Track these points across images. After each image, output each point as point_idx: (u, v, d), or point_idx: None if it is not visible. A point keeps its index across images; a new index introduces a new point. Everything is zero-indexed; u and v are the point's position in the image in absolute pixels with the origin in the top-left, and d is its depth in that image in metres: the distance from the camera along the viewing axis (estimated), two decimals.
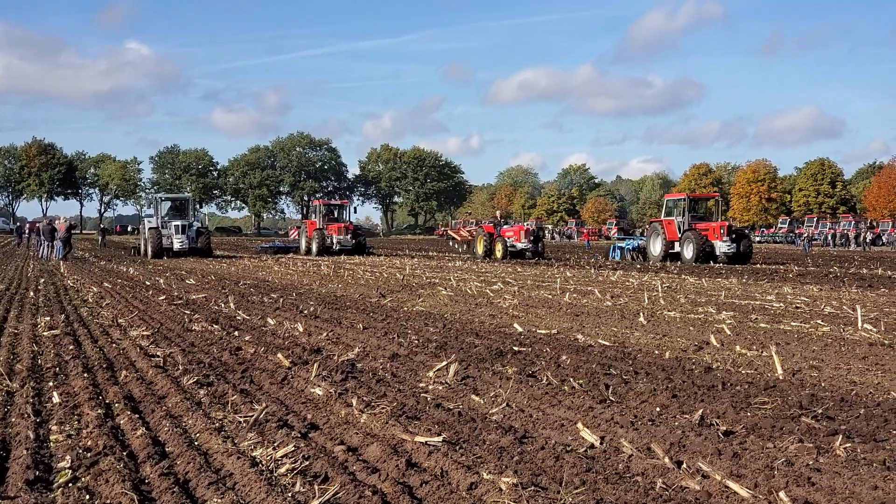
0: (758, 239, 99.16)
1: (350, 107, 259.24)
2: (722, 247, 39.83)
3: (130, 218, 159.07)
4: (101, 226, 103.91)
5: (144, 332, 13.90)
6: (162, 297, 20.45)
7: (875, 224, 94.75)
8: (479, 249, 47.39)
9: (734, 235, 40.76)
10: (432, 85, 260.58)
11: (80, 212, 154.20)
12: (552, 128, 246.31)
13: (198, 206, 58.74)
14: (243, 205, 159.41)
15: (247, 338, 13.28)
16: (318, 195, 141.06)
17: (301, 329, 14.16)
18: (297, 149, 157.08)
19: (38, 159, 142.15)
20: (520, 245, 45.72)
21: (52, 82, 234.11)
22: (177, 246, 45.30)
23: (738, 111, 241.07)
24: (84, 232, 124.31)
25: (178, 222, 46.30)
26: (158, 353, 11.72)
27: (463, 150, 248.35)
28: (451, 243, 69.22)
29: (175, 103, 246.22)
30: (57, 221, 49.79)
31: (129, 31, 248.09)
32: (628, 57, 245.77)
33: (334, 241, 50.27)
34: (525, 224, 61.31)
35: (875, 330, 13.84)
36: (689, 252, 40.32)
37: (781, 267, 37.95)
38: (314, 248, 50.34)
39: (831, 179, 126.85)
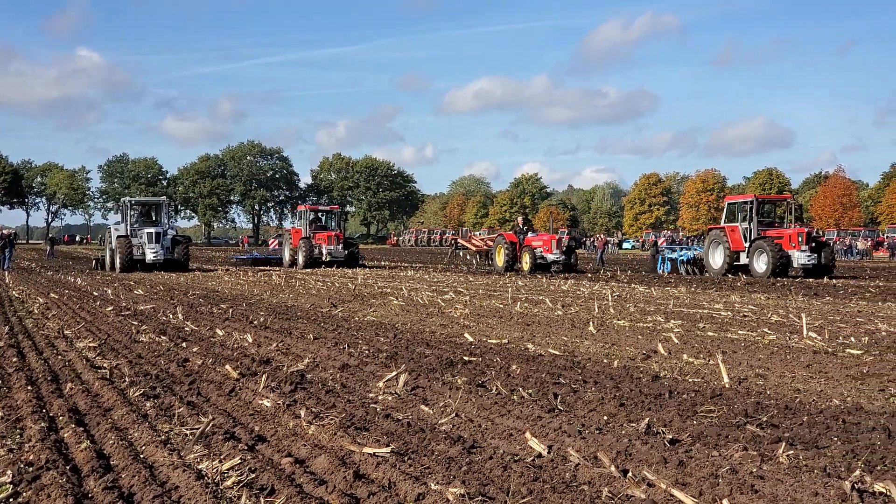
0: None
1: (304, 115, 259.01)
2: (801, 257, 34.83)
3: (79, 228, 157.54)
4: (49, 235, 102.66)
5: (91, 344, 13.74)
6: (109, 308, 20.24)
7: (821, 233, 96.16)
8: (500, 261, 41.78)
9: (814, 244, 35.48)
10: (387, 94, 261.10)
11: (27, 221, 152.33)
12: (506, 137, 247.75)
13: (173, 211, 51.90)
14: (193, 214, 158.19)
15: (195, 349, 13.17)
16: (304, 201, 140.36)
17: (250, 340, 14.07)
18: (248, 157, 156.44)
19: None
20: (550, 256, 40.14)
21: (1, 91, 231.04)
22: (150, 257, 39.70)
23: (691, 122, 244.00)
24: (31, 242, 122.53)
25: (151, 230, 40.29)
26: (105, 365, 11.59)
27: (418, 159, 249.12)
28: (461, 254, 61.66)
29: (126, 111, 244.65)
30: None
31: (80, 38, 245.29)
32: (583, 67, 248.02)
33: (324, 251, 44.92)
34: (556, 233, 53.04)
35: (819, 338, 14.01)
36: (761, 264, 35.04)
37: (866, 282, 32.94)
38: (300, 259, 45.48)
39: (779, 189, 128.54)
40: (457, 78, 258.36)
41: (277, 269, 44.57)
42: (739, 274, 36.43)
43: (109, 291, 26.08)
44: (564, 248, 40.88)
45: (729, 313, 18.60)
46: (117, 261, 39.92)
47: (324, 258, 44.77)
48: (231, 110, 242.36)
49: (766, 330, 15.31)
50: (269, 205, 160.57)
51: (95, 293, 25.69)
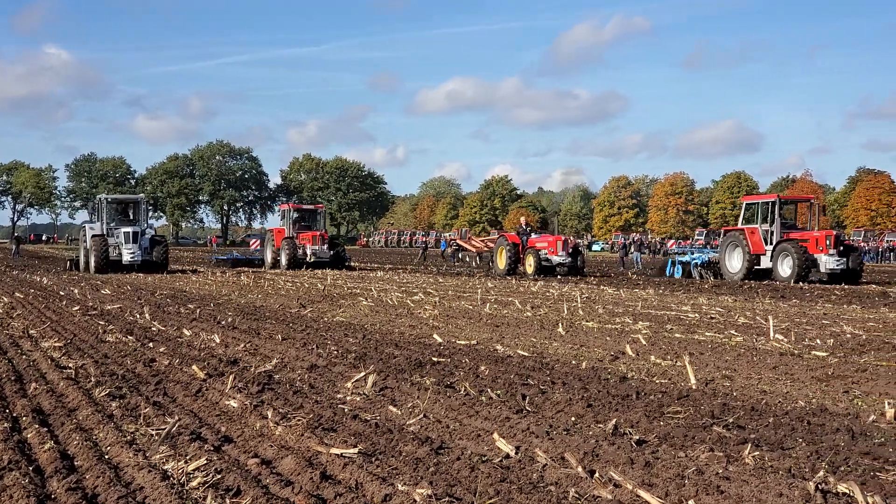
0: (674, 250, 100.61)
1: (275, 114, 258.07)
2: (828, 262, 32.34)
3: (45, 227, 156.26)
4: (15, 235, 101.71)
5: (56, 344, 13.61)
6: (76, 308, 20.07)
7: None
8: (501, 264, 39.13)
9: (842, 248, 33.32)
10: (358, 94, 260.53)
11: None
12: (478, 138, 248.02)
13: (151, 209, 49.95)
14: (161, 214, 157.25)
15: (161, 349, 13.08)
16: (286, 199, 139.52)
17: (218, 340, 13.99)
18: (217, 157, 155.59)
19: None
20: (556, 259, 37.58)
21: None
22: (127, 258, 37.45)
23: (661, 124, 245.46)
24: None
25: (128, 229, 38.04)
26: (70, 365, 11.48)
27: (388, 159, 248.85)
28: (459, 255, 59.29)
29: (95, 109, 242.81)
30: None
31: (49, 35, 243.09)
32: (555, 69, 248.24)
33: (308, 252, 42.77)
34: (561, 234, 51.28)
35: (786, 340, 14.11)
36: (786, 268, 32.67)
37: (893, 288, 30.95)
38: (283, 260, 43.11)
39: (747, 192, 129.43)
40: (428, 78, 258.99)
41: (259, 270, 43.58)
42: (758, 279, 33.92)
43: (76, 291, 25.85)
44: (571, 250, 38.52)
45: (696, 315, 18.70)
46: (92, 261, 37.63)
47: (308, 259, 42.70)
48: (201, 109, 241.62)
49: (733, 332, 15.41)
50: (237, 205, 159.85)
51: (62, 293, 25.46)
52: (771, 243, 34.11)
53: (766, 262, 34.05)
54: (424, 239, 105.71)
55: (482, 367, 11.31)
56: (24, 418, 8.30)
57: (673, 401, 9.16)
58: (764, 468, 6.57)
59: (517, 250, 38.73)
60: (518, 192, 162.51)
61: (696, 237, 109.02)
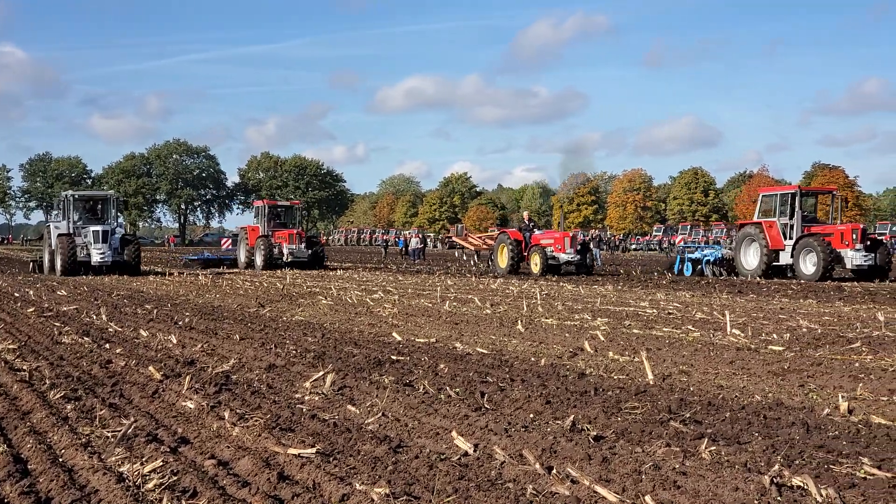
0: (633, 246, 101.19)
1: (233, 113, 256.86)
2: (855, 257, 30.34)
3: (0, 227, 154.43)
4: None
5: (10, 346, 13.45)
6: (31, 309, 19.84)
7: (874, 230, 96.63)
8: (503, 262, 36.54)
9: (869, 242, 31.17)
10: (318, 92, 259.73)
11: None
12: (438, 136, 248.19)
13: (122, 206, 45.75)
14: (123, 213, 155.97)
15: (118, 350, 12.96)
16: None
17: (175, 341, 13.89)
18: (175, 156, 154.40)
19: None
20: (563, 256, 34.73)
21: None
22: (96, 258, 35.46)
23: (620, 121, 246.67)
24: None
25: (98, 228, 35.94)
26: (24, 367, 11.35)
27: (348, 157, 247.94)
28: (456, 254, 55.11)
29: (51, 109, 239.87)
30: None
31: (2, 33, 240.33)
32: (514, 67, 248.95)
33: (285, 251, 41.12)
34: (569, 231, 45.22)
35: (742, 335, 14.22)
36: (809, 265, 30.50)
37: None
38: (259, 260, 41.37)
39: (704, 188, 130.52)
40: (388, 76, 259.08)
41: (234, 270, 41.98)
42: (777, 276, 32.14)
43: (31, 292, 25.57)
44: (579, 247, 35.62)
45: (654, 311, 18.81)
46: (58, 262, 35.82)
47: (285, 258, 41.07)
48: (158, 108, 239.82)
49: (690, 327, 15.51)
50: (195, 204, 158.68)
51: (17, 294, 25.18)
52: (791, 238, 32.14)
53: (784, 259, 32.15)
54: (385, 237, 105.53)
55: (441, 366, 11.31)
56: None
57: (630, 396, 9.22)
58: (720, 462, 6.63)
59: (520, 248, 36.12)
60: (478, 190, 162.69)
61: (653, 233, 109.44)
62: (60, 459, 6.89)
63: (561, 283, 29.83)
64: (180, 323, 16.92)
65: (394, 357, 12.12)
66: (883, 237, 51.30)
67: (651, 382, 10.10)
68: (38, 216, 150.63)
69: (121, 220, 41.14)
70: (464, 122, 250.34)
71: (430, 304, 20.81)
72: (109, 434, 7.62)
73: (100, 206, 39.83)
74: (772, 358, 11.89)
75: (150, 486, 6.11)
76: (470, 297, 23.07)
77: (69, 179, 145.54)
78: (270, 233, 42.27)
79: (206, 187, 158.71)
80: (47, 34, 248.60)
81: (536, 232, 37.31)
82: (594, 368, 11.23)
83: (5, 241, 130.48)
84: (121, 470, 6.51)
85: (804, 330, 15.06)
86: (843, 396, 8.91)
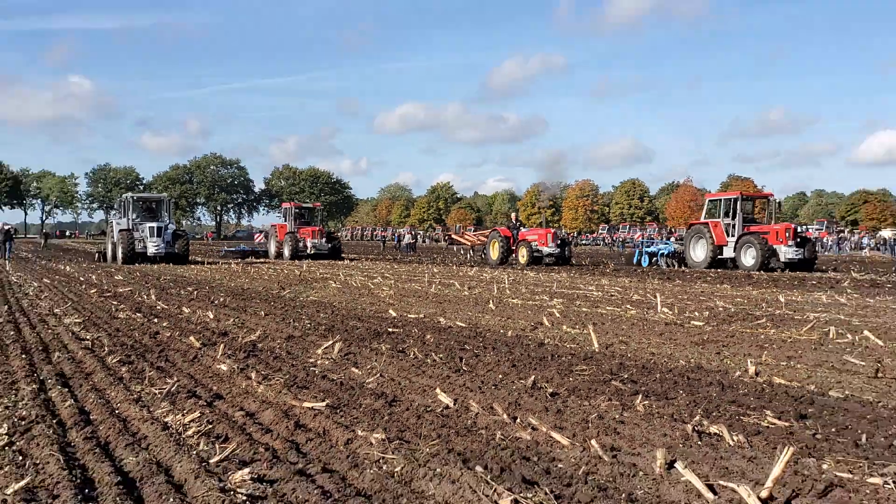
0: (583, 242, 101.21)
1: (260, 132, 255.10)
2: (787, 252, 29.70)
3: (68, 224, 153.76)
4: (44, 231, 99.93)
5: (76, 320, 13.38)
6: (93, 291, 19.71)
7: (673, 230, 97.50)
8: (494, 255, 35.77)
9: (799, 239, 30.58)
10: (328, 116, 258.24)
11: (25, 219, 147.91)
12: (426, 152, 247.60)
13: (173, 207, 44.62)
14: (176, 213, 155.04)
15: (164, 324, 12.90)
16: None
17: (211, 316, 13.84)
18: (212, 167, 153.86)
19: None
20: (546, 250, 34.14)
21: (4, 110, 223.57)
22: (151, 250, 34.48)
23: (573, 141, 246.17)
24: (28, 236, 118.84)
25: (153, 224, 35.20)
26: (87, 337, 11.29)
27: (353, 169, 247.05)
28: (455, 249, 53.04)
29: (110, 128, 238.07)
30: (2, 227, 46.00)
31: (72, 67, 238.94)
32: (488, 97, 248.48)
33: (308, 244, 40.65)
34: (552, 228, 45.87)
35: (670, 312, 14.30)
36: (749, 258, 30.20)
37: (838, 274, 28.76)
38: (286, 252, 40.64)
39: (640, 195, 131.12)
40: (385, 103, 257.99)
41: (263, 260, 41.49)
42: (720, 268, 31.48)
43: (93, 277, 25.40)
44: (559, 242, 34.88)
45: (599, 293, 18.87)
46: (119, 253, 34.61)
47: (309, 251, 40.44)
48: (198, 128, 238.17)
49: (628, 306, 15.57)
50: (228, 206, 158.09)
51: (81, 278, 25.01)
52: (732, 236, 31.52)
53: (728, 253, 31.53)
54: (383, 234, 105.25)
55: (428, 336, 11.31)
56: (49, 381, 8.16)
57: (580, 361, 9.23)
58: (652, 414, 6.66)
59: (508, 243, 35.52)
60: (458, 196, 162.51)
61: (600, 231, 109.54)
62: (117, 411, 6.86)
63: (524, 272, 29.86)
64: (216, 302, 16.85)
65: (390, 329, 12.11)
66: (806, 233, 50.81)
67: (596, 350, 10.13)
68: (98, 215, 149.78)
69: (172, 218, 39.50)
70: (447, 141, 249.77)
71: (420, 288, 20.80)
72: (156, 391, 7.60)
73: (155, 206, 38.63)
74: (693, 331, 11.97)
75: (189, 432, 6.10)
76: (452, 282, 23.08)
77: (125, 185, 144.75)
78: (296, 229, 41.60)
79: (238, 192, 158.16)
80: (108, 68, 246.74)
81: (523, 229, 36.55)
82: (551, 339, 11.24)
83: (72, 236, 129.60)
84: (166, 420, 6.49)
85: (720, 309, 15.16)
86: (750, 362, 8.97)
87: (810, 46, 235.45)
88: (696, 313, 14.28)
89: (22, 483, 4.90)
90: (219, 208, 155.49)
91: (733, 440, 5.79)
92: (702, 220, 33.25)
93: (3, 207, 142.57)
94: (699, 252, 32.45)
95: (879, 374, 8.40)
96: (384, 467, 5.26)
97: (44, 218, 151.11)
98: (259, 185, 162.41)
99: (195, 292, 19.24)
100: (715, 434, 5.97)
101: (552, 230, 36.21)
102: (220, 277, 25.81)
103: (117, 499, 4.63)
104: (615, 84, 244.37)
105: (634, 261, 37.38)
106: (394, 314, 14.36)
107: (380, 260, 43.33)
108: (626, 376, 8.30)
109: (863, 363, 9.00)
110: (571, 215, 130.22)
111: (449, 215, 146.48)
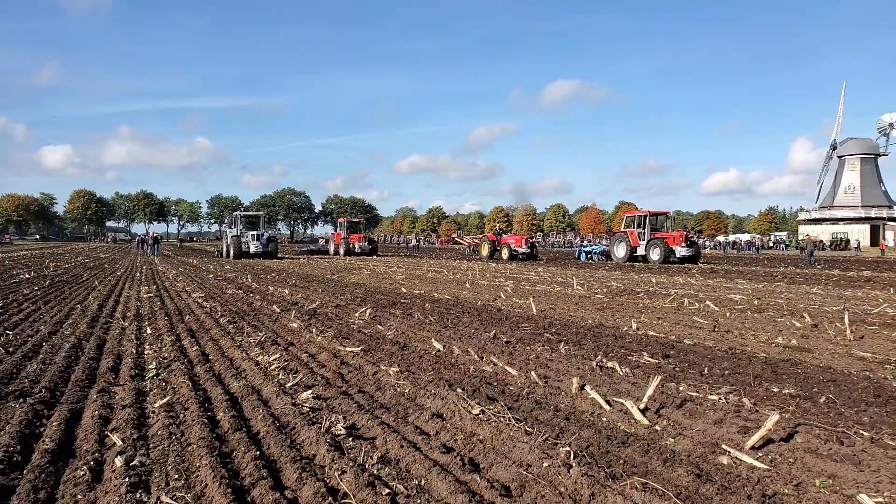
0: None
1: (318, 173, 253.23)
2: (681, 251, 28.39)
3: (195, 233, 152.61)
4: (179, 237, 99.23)
5: (200, 295, 13.26)
6: (210, 276, 19.56)
7: (585, 237, 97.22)
8: (484, 252, 35.26)
9: (689, 242, 29.13)
10: (363, 162, 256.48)
11: (167, 229, 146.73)
12: (426, 186, 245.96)
13: (266, 220, 43.86)
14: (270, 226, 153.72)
15: (256, 297, 12.81)
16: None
17: (287, 292, 13.75)
18: (287, 196, 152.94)
19: (143, 201, 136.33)
20: (521, 250, 32.97)
21: (156, 159, 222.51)
22: (252, 249, 33.28)
23: (521, 179, 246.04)
24: (168, 241, 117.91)
25: (254, 232, 34.08)
26: (207, 306, 11.21)
27: (379, 197, 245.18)
28: (458, 247, 51.10)
29: (223, 171, 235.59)
30: (152, 235, 45.64)
31: (199, 131, 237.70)
32: (467, 150, 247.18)
33: (356, 246, 39.00)
34: (524, 235, 45.24)
35: (582, 289, 14.29)
36: (655, 255, 28.74)
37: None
38: (342, 251, 39.04)
39: (563, 214, 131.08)
40: (400, 155, 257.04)
41: (324, 256, 39.64)
42: (635, 261, 30.10)
43: (211, 267, 25.19)
44: (529, 245, 33.54)
45: (537, 277, 18.85)
46: (231, 252, 33.52)
47: (357, 250, 38.82)
48: (280, 171, 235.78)
49: (555, 285, 15.56)
50: (298, 221, 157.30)
51: (203, 268, 24.80)
52: (643, 240, 30.08)
53: (640, 251, 30.01)
54: (398, 239, 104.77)
55: (427, 305, 11.28)
56: (182, 334, 8.11)
57: (524, 321, 9.24)
58: (570, 355, 6.66)
59: (494, 244, 34.82)
60: (446, 215, 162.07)
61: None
62: (225, 354, 6.82)
63: (489, 264, 29.76)
64: (290, 283, 16.72)
65: (402, 301, 12.06)
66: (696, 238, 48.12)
67: (535, 314, 10.13)
68: (214, 227, 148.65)
69: (265, 228, 38.62)
70: (440, 179, 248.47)
71: (421, 273, 20.73)
72: (251, 340, 7.56)
73: (254, 220, 37.38)
74: (597, 301, 11.98)
75: (272, 368, 6.06)
76: (441, 270, 23.00)
77: (232, 207, 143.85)
78: (347, 236, 39.99)
79: (304, 212, 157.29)
80: (222, 132, 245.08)
81: (504, 236, 35.65)
82: (505, 306, 11.23)
83: (197, 241, 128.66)
84: (257, 359, 6.46)
85: (614, 286, 15.17)
86: (633, 321, 8.99)
87: (673, 118, 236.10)
88: (599, 289, 14.28)
89: (165, 400, 4.87)
90: (291, 223, 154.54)
91: (622, 371, 5.81)
92: (622, 229, 31.97)
93: (153, 221, 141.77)
94: (620, 251, 31.15)
95: (716, 329, 8.45)
96: (398, 389, 5.25)
97: (179, 228, 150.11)
98: (318, 208, 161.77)
99: (277, 277, 19.12)
100: (610, 367, 5.98)
101: (525, 236, 34.74)
102: (292, 268, 25.64)
103: (226, 409, 4.61)
104: (549, 142, 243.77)
105: (576, 256, 35.82)
106: (404, 291, 14.32)
107: (395, 256, 43.17)
108: (553, 331, 8.30)
109: (705, 322, 9.05)
110: (518, 227, 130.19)
111: (440, 227, 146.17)
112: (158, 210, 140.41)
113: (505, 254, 33.08)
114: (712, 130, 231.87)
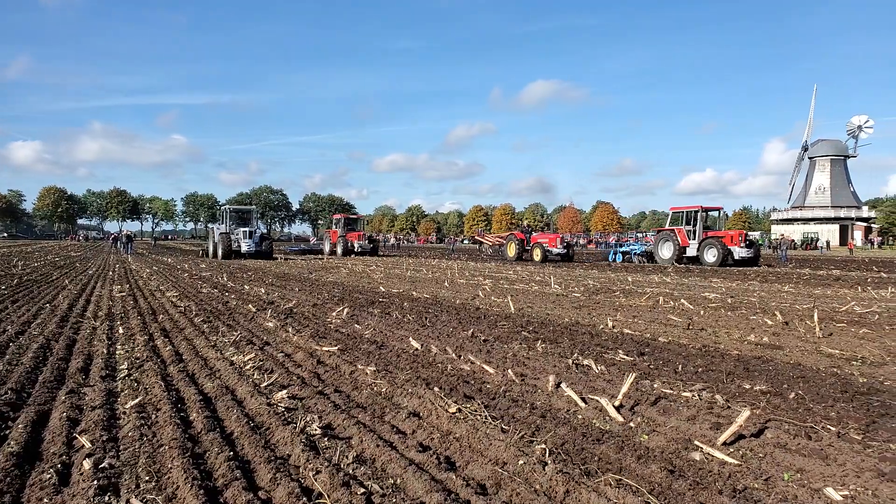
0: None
1: (296, 171, 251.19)
2: (740, 252, 25.07)
3: (169, 231, 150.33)
4: (154, 236, 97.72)
5: (174, 294, 13.07)
6: (185, 275, 19.29)
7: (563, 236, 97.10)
8: (511, 253, 30.43)
9: (748, 242, 25.65)
10: (342, 161, 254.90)
11: (141, 227, 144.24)
12: (406, 185, 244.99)
13: (259, 217, 38.20)
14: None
15: (232, 296, 12.67)
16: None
17: (263, 291, 13.61)
18: (265, 194, 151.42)
19: (116, 199, 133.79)
20: (555, 250, 28.60)
21: (130, 155, 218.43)
22: (244, 248, 30.18)
23: (500, 179, 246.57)
24: (143, 239, 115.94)
25: (246, 229, 30.84)
26: (181, 305, 11.06)
27: (358, 196, 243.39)
28: (479, 247, 46.32)
29: (198, 169, 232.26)
30: (125, 233, 44.90)
31: (175, 128, 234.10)
32: (446, 149, 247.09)
33: (355, 245, 35.86)
34: (559, 233, 39.61)
35: (559, 288, 14.38)
36: (711, 256, 25.25)
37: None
38: (339, 250, 35.73)
39: (542, 213, 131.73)
40: (380, 153, 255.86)
41: (319, 256, 36.77)
42: (685, 264, 26.51)
43: (186, 266, 24.84)
44: (565, 245, 29.03)
45: (515, 276, 18.91)
46: (219, 251, 30.09)
47: (356, 250, 35.73)
48: (256, 168, 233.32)
49: (533, 284, 15.63)
50: (275, 219, 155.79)
51: (178, 267, 24.43)
52: (693, 239, 26.47)
53: (690, 252, 26.41)
54: (377, 238, 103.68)
55: (405, 304, 11.25)
56: (155, 333, 7.98)
57: (502, 319, 9.26)
58: (547, 353, 6.70)
59: (523, 244, 30.27)
60: (425, 214, 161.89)
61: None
62: (200, 353, 6.73)
63: (468, 262, 29.77)
64: (266, 281, 16.55)
65: (380, 299, 12.02)
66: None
67: (513, 312, 10.16)
68: (189, 225, 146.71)
69: (260, 224, 34.04)
70: (419, 178, 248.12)
71: (400, 272, 20.67)
72: (226, 340, 7.47)
73: (245, 215, 33.51)
74: (574, 299, 12.05)
75: (247, 367, 6.00)
76: (421, 269, 22.97)
77: (207, 206, 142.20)
78: (345, 234, 36.63)
79: (281, 210, 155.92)
80: (198, 129, 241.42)
81: (534, 234, 30.90)
82: (483, 305, 11.24)
83: (172, 239, 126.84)
84: (232, 359, 6.38)
85: (591, 284, 15.28)
86: (609, 319, 9.07)
87: (650, 119, 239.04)
88: (576, 288, 14.36)
89: (136, 400, 4.79)
90: (269, 221, 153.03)
91: (598, 369, 5.85)
92: (667, 227, 27.87)
93: (127, 219, 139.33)
94: (666, 252, 27.17)
95: (690, 327, 8.56)
96: (375, 388, 5.23)
97: (153, 226, 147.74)
98: (295, 206, 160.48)
99: (253, 276, 18.91)
100: (586, 365, 6.03)
101: (560, 234, 29.99)
102: (269, 266, 25.40)
103: (199, 410, 4.54)
104: (528, 142, 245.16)
105: (609, 259, 31.28)
106: (383, 289, 14.27)
107: (363, 254, 42.95)
108: (530, 329, 8.33)
109: (680, 320, 9.17)
110: (497, 226, 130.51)
111: (420, 226, 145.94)
112: (132, 208, 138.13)
113: (537, 255, 28.47)
114: (689, 131, 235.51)
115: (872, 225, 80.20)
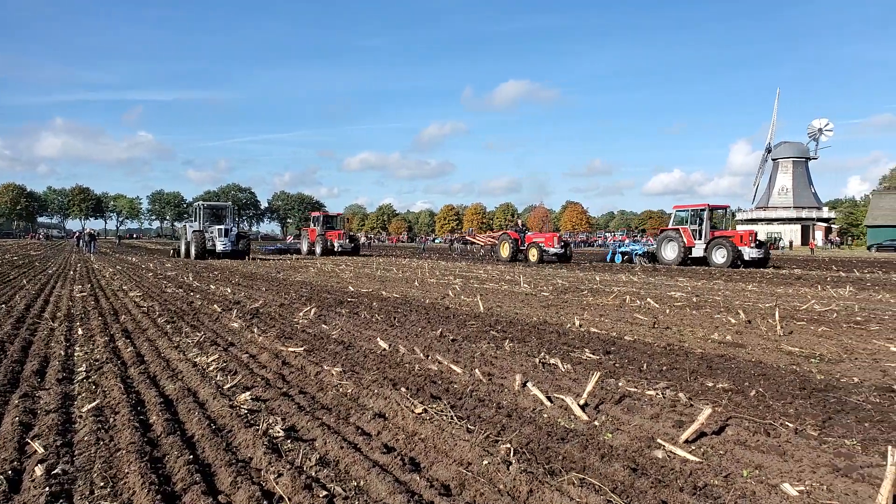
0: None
1: (266, 169, 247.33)
2: (750, 252, 24.09)
3: (134, 230, 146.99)
4: (118, 234, 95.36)
5: (137, 294, 12.78)
6: (150, 274, 18.88)
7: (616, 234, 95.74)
8: (505, 254, 28.44)
9: (759, 242, 24.55)
10: (312, 159, 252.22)
11: (105, 226, 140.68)
12: (377, 184, 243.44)
13: (235, 213, 36.15)
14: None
15: (197, 296, 12.44)
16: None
17: (229, 291, 13.40)
18: (233, 192, 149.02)
19: (79, 196, 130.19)
20: (552, 250, 27.15)
21: (94, 152, 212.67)
22: (219, 248, 28.65)
23: (472, 178, 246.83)
24: (107, 238, 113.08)
25: (221, 227, 29.33)
26: (144, 305, 10.82)
27: (328, 194, 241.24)
28: (468, 248, 44.29)
29: (165, 166, 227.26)
30: (88, 231, 43.75)
31: (141, 125, 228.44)
32: (418, 148, 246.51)
33: (335, 245, 34.48)
34: (557, 232, 37.21)
35: (528, 287, 14.46)
36: (720, 257, 24.15)
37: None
38: (318, 250, 34.20)
39: (512, 213, 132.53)
40: (350, 151, 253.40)
41: (297, 256, 35.53)
42: (691, 265, 25.27)
43: (151, 265, 24.33)
44: (563, 244, 27.55)
45: (486, 275, 18.97)
46: (192, 250, 28.50)
47: (336, 249, 34.36)
48: (225, 166, 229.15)
49: (503, 283, 15.69)
50: (243, 218, 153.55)
51: (142, 266, 23.91)
52: (699, 239, 25.20)
53: (697, 253, 25.18)
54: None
55: (374, 304, 11.19)
56: (116, 334, 7.78)
57: (471, 318, 9.27)
58: (515, 352, 6.73)
59: (517, 244, 28.49)
60: (396, 213, 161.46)
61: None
62: (162, 355, 6.59)
63: (439, 261, 29.79)
64: (233, 281, 16.29)
65: (349, 299, 11.94)
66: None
67: (482, 311, 10.18)
68: (155, 224, 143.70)
69: (234, 222, 32.23)
70: (391, 177, 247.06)
71: (370, 272, 20.56)
72: (190, 341, 7.33)
73: (220, 212, 31.94)
74: (543, 299, 12.12)
75: (211, 369, 5.89)
76: (391, 269, 22.89)
77: (174, 205, 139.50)
78: (324, 232, 35.00)
79: (249, 209, 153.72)
80: (165, 126, 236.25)
81: (529, 233, 29.48)
82: (453, 304, 11.24)
83: (137, 238, 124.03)
84: (195, 360, 6.26)
85: (559, 284, 15.41)
86: (576, 318, 9.16)
87: (619, 120, 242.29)
88: (545, 287, 14.45)
89: (94, 404, 4.66)
90: (237, 219, 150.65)
91: (564, 368, 5.90)
92: (671, 226, 26.52)
93: (90, 217, 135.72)
94: (670, 252, 25.92)
95: (656, 325, 8.69)
96: (340, 389, 5.19)
97: (118, 225, 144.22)
98: (264, 204, 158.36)
99: (219, 275, 18.60)
100: (553, 364, 6.07)
101: (557, 234, 28.54)
102: (236, 266, 25.00)
103: (160, 412, 4.44)
104: (499, 142, 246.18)
105: (608, 259, 30.18)
106: (352, 289, 14.17)
107: (344, 254, 42.67)
108: (499, 328, 8.35)
109: (646, 318, 9.29)
110: (468, 224, 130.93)
111: (391, 225, 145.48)
112: (95, 205, 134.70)
113: (533, 255, 27.16)
114: (657, 132, 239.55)
115: (832, 225, 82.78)
